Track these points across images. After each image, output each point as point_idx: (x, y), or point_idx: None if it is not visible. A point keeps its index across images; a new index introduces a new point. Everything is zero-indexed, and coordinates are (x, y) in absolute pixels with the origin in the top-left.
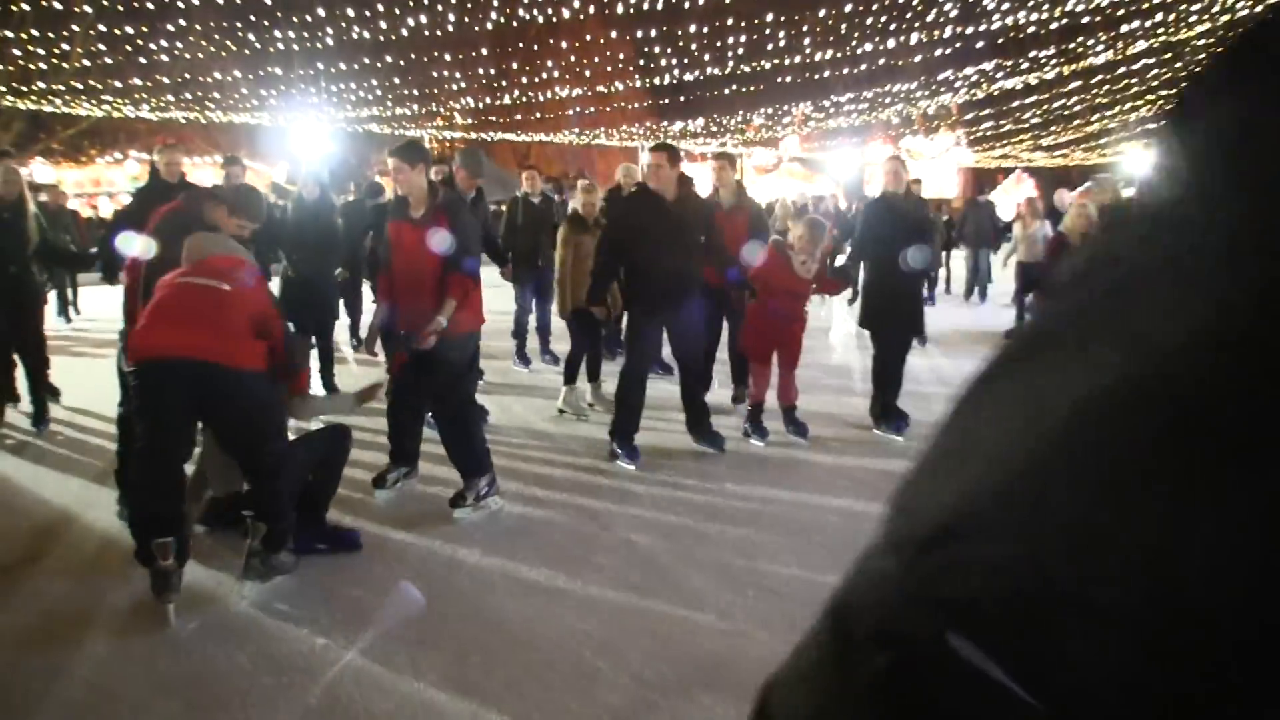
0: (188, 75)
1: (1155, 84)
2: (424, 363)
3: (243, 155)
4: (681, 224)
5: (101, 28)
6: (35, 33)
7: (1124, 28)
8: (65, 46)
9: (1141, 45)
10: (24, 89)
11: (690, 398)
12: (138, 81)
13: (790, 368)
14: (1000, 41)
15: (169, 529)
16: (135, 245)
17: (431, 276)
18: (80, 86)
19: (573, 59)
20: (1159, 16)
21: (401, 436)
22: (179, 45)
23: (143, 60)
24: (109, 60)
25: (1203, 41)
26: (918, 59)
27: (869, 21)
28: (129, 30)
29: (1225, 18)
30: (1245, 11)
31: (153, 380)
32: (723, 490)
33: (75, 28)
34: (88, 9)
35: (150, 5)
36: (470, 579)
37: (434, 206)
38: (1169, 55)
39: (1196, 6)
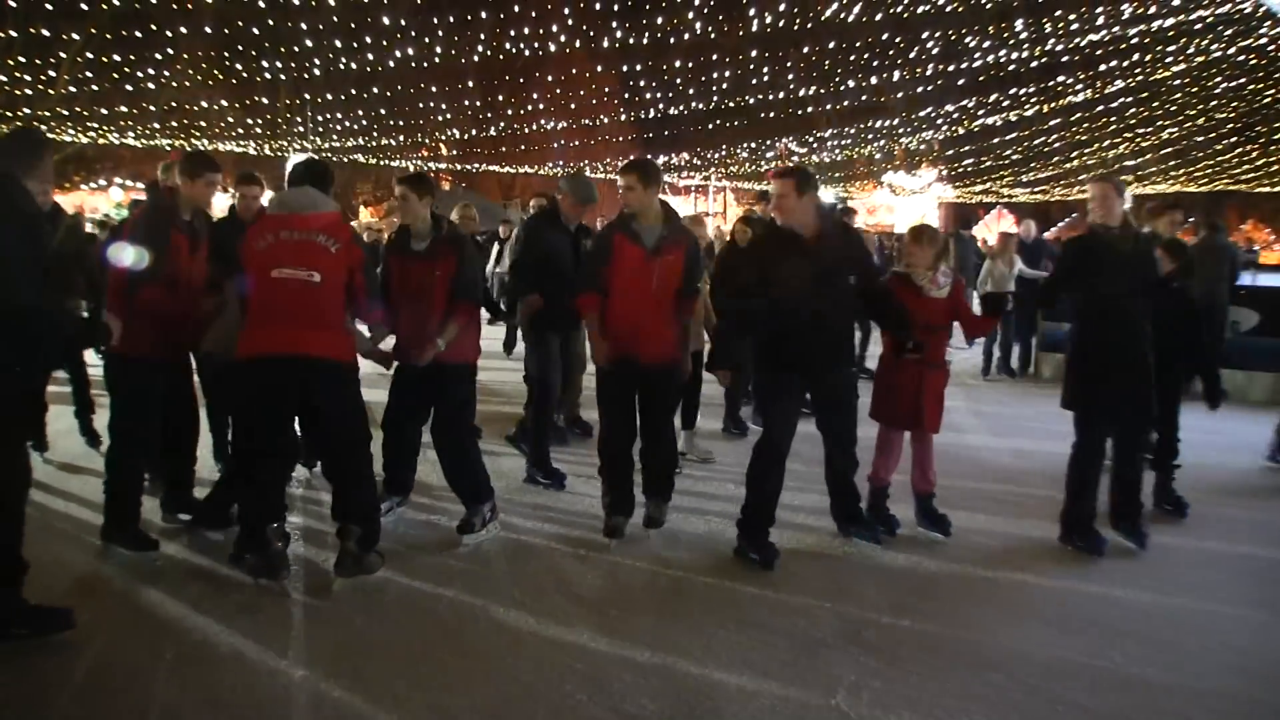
0: (174, 103)
1: (1133, 122)
2: (428, 394)
3: (228, 182)
4: (829, 265)
5: (89, 55)
6: (22, 59)
7: (1102, 67)
8: (52, 73)
9: (1119, 84)
10: (9, 114)
11: (840, 481)
12: (124, 109)
13: (928, 434)
14: (981, 79)
15: (280, 515)
16: (127, 257)
17: (435, 310)
18: (66, 113)
19: (558, 92)
20: (1136, 57)
21: (398, 468)
22: (166, 73)
23: (129, 88)
24: (95, 87)
25: (1178, 81)
26: (900, 95)
27: (852, 58)
28: (116, 58)
29: (1200, 59)
30: (1219, 53)
31: (268, 377)
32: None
33: (62, 55)
34: (75, 36)
35: (138, 34)
36: (452, 610)
37: (439, 240)
38: (1146, 94)
39: (1172, 48)
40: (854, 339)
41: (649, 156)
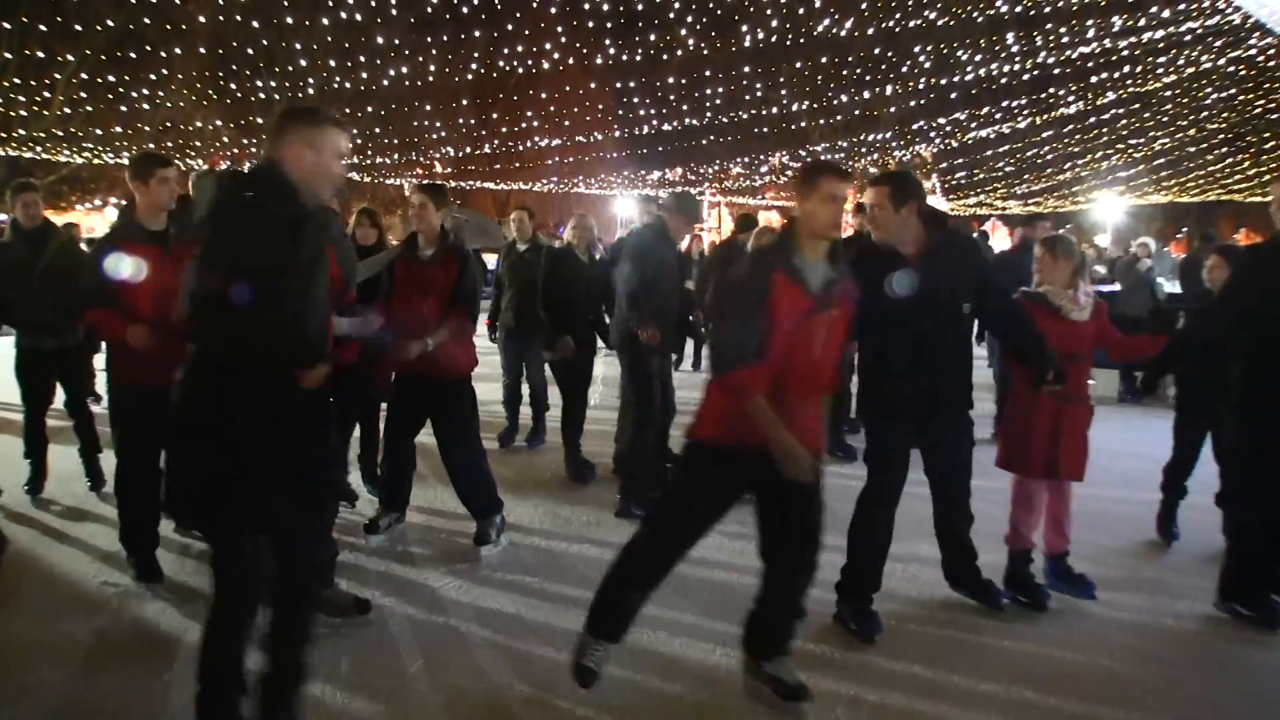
0: (169, 123)
1: (1124, 133)
2: (427, 408)
3: None
4: (938, 288)
5: (84, 76)
6: (17, 80)
7: (1093, 79)
8: (47, 94)
9: (1111, 96)
10: (4, 136)
11: (953, 537)
12: (119, 129)
13: (1067, 483)
14: (973, 92)
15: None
16: (125, 268)
17: (432, 319)
18: (61, 134)
19: (552, 109)
20: (1127, 68)
21: (398, 484)
22: (161, 93)
23: (124, 108)
24: (90, 108)
25: (1169, 93)
26: (893, 109)
27: (844, 73)
28: (111, 79)
29: (1190, 70)
30: (1209, 64)
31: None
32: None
33: (57, 76)
34: (70, 58)
35: (133, 55)
36: (446, 620)
37: (446, 249)
38: (1137, 105)
39: (1163, 59)
40: (971, 375)
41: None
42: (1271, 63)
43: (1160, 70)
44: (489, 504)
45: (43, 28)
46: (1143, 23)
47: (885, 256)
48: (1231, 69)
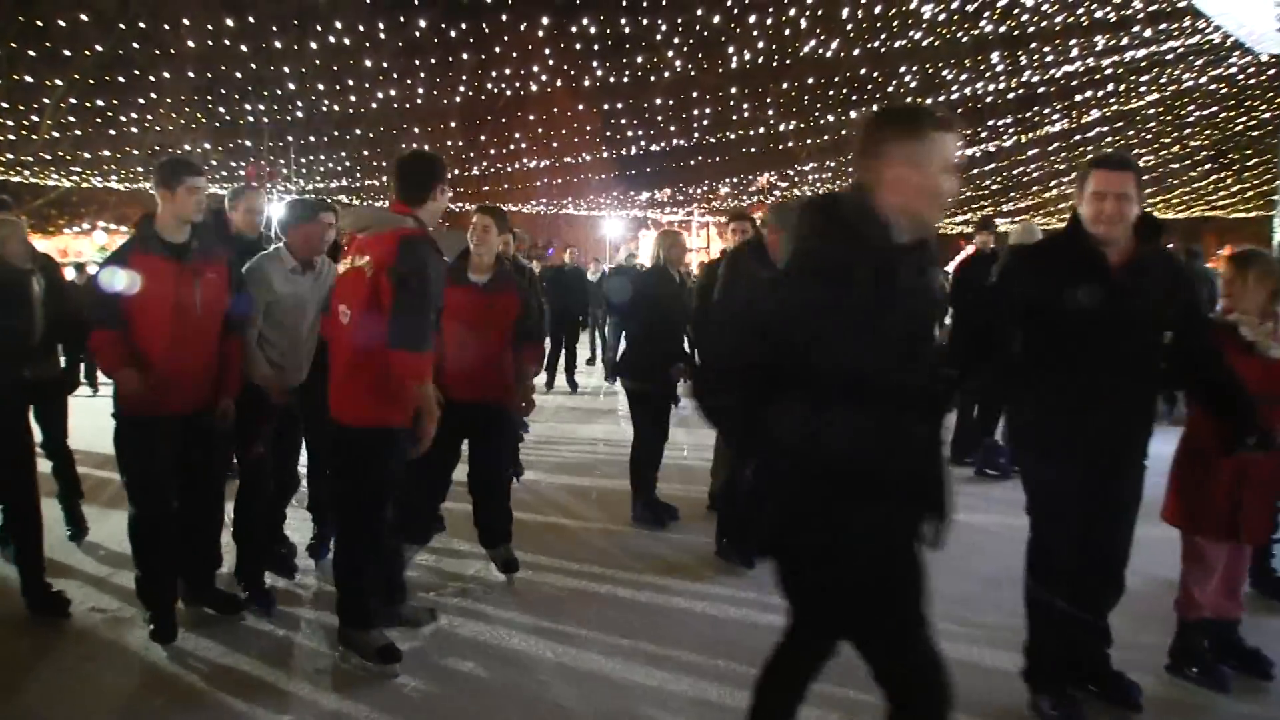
0: (158, 147)
1: (1109, 150)
2: (472, 433)
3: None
4: (1141, 307)
5: (72, 100)
6: (5, 105)
7: (1078, 97)
8: (35, 118)
9: (1095, 114)
10: None
11: (1102, 610)
12: (107, 152)
13: (1248, 545)
14: (959, 111)
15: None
16: (119, 281)
17: (495, 345)
18: (49, 157)
19: (541, 131)
20: (1110, 87)
21: (430, 515)
22: (149, 117)
23: (113, 132)
24: (79, 132)
25: (1153, 110)
26: None
27: (831, 93)
28: (99, 103)
29: (1172, 88)
30: (1190, 82)
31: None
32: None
33: (45, 101)
34: (59, 82)
35: (121, 79)
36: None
37: (504, 275)
38: (1121, 123)
39: (1145, 78)
40: (1153, 422)
41: (631, 193)
42: (1251, 81)
43: (1143, 89)
44: (509, 530)
45: (31, 53)
46: (1125, 42)
47: (1079, 259)
48: (1213, 87)
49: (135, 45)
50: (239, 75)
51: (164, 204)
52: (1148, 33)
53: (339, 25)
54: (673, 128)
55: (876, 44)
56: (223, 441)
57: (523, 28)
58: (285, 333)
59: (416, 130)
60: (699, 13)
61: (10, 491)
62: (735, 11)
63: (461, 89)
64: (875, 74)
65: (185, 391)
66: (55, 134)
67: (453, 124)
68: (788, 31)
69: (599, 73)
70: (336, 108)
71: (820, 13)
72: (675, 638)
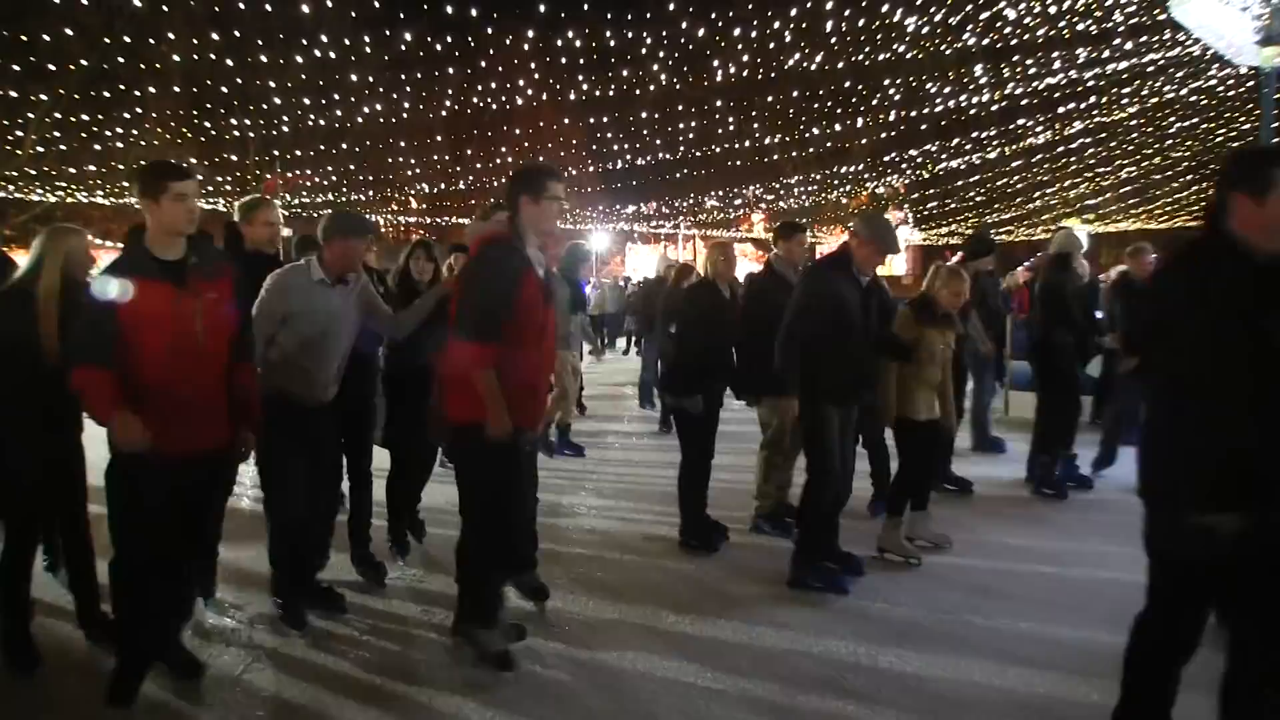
0: (143, 161)
1: (1092, 162)
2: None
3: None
4: None
5: (57, 115)
6: None
7: (1060, 110)
8: (20, 133)
9: (1078, 126)
10: None
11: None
12: (92, 167)
13: None
14: (943, 124)
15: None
16: (111, 289)
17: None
18: (34, 172)
19: (527, 144)
20: (1093, 99)
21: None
22: (134, 132)
23: (98, 146)
24: (64, 147)
25: (1135, 122)
26: (864, 141)
27: (816, 106)
28: (84, 117)
29: (1154, 100)
30: (1172, 94)
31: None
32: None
33: (30, 116)
34: (43, 97)
35: (106, 94)
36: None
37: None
38: (1104, 135)
39: (1127, 90)
40: None
41: (617, 207)
42: (1231, 93)
43: (1125, 100)
44: (534, 557)
45: (15, 68)
46: (1107, 54)
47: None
48: (1193, 99)
49: (120, 60)
50: (225, 90)
51: (151, 217)
52: (1128, 45)
53: (325, 40)
54: (658, 141)
55: (860, 57)
56: (226, 487)
57: (508, 42)
58: (309, 347)
59: (403, 144)
60: (684, 27)
61: (64, 515)
62: (720, 26)
63: (448, 103)
64: (860, 87)
65: (186, 430)
66: (40, 149)
67: (439, 138)
68: (772, 45)
69: (585, 87)
70: (323, 122)
71: (805, 27)
72: (737, 667)
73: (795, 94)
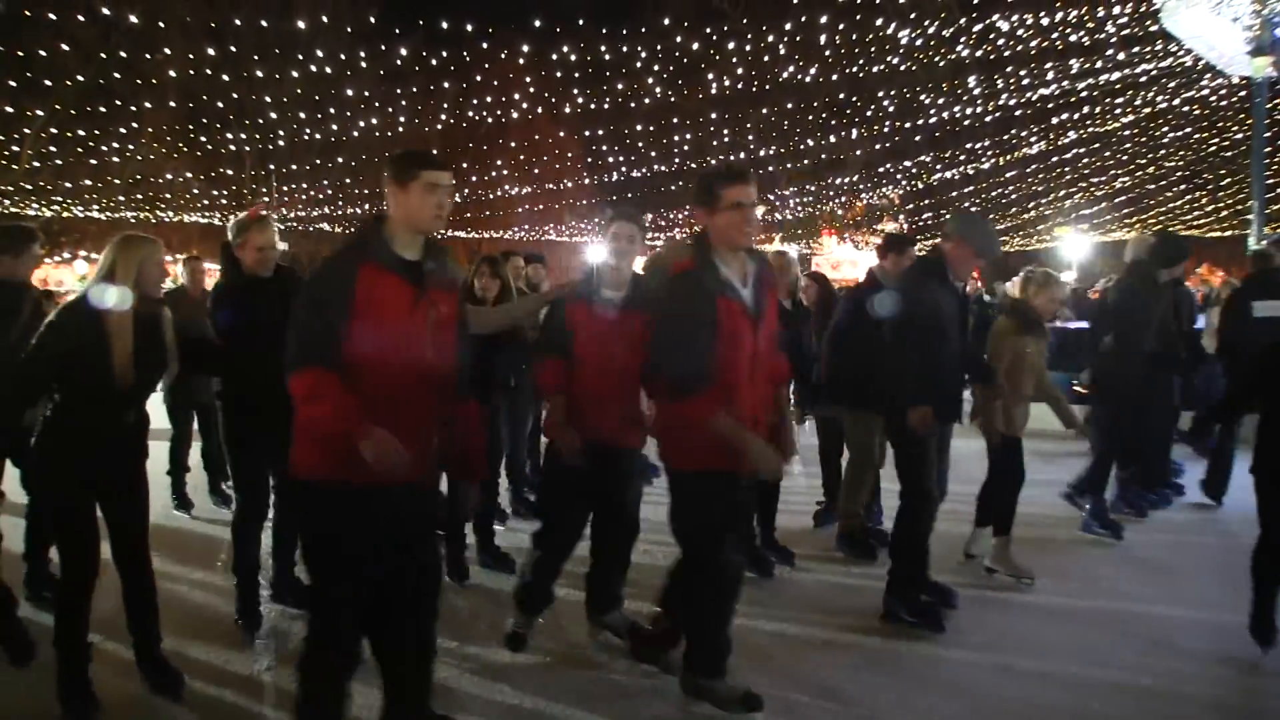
0: (139, 176)
1: (1086, 172)
2: (605, 482)
3: (194, 252)
4: None
5: (53, 130)
6: None
7: (1054, 120)
8: (15, 148)
9: (1071, 136)
10: None
11: None
12: (88, 182)
13: None
14: (937, 135)
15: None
16: (109, 296)
17: (631, 378)
18: (30, 187)
19: (522, 157)
20: (1086, 109)
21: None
22: (130, 146)
23: (94, 161)
24: (60, 161)
25: (1128, 132)
26: (858, 152)
27: (810, 118)
28: (80, 132)
29: (1147, 110)
30: (1164, 104)
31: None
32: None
33: (26, 131)
34: (39, 112)
35: (103, 109)
36: None
37: (639, 292)
38: (1097, 145)
39: (1120, 100)
40: None
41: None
42: (1223, 102)
43: (1119, 110)
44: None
45: (11, 83)
46: (1100, 65)
47: None
48: (1186, 109)
49: (117, 75)
50: (221, 104)
51: (394, 205)
52: (1121, 56)
53: (321, 54)
54: (654, 153)
55: (855, 69)
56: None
57: (503, 55)
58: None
59: None
60: (678, 40)
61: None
62: (714, 39)
63: (443, 116)
64: (854, 99)
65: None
66: (36, 163)
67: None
68: (767, 58)
69: (580, 99)
70: (318, 136)
71: (799, 39)
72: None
73: (790, 106)
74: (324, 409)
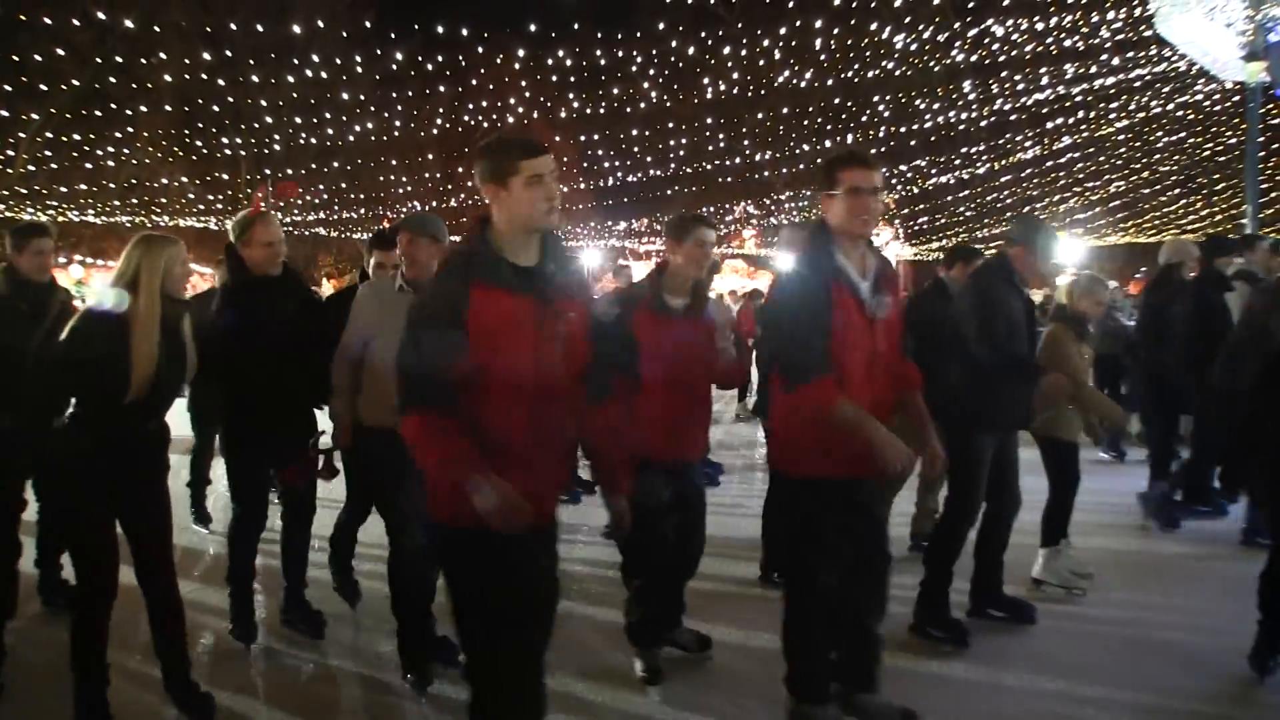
0: (134, 180)
1: (1081, 176)
2: (691, 496)
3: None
4: None
5: (48, 134)
6: None
7: (1049, 125)
8: (11, 152)
9: (1066, 140)
10: None
11: None
12: (84, 186)
13: None
14: (932, 139)
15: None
16: (108, 298)
17: (700, 387)
18: (25, 191)
19: None
20: (1081, 114)
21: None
22: (126, 151)
23: (89, 165)
24: (55, 165)
25: (1122, 137)
26: None
27: (806, 123)
28: (76, 137)
29: (1141, 115)
30: (1159, 109)
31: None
32: None
33: (21, 135)
34: (35, 116)
35: (98, 113)
36: None
37: (700, 299)
38: (1092, 150)
39: (1115, 105)
40: None
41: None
42: (1217, 107)
43: (1113, 115)
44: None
45: (7, 87)
46: (1094, 70)
47: None
48: (1180, 114)
49: (112, 79)
50: (216, 109)
51: (498, 208)
52: (1115, 61)
53: (316, 58)
54: (649, 158)
55: (850, 74)
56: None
57: (499, 60)
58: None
59: (394, 162)
60: (674, 44)
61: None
62: (710, 43)
63: (439, 121)
64: (849, 103)
65: (542, 495)
66: (31, 167)
67: (430, 156)
68: (762, 62)
69: (575, 104)
70: (314, 140)
71: (794, 44)
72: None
73: (785, 110)
74: (430, 457)
